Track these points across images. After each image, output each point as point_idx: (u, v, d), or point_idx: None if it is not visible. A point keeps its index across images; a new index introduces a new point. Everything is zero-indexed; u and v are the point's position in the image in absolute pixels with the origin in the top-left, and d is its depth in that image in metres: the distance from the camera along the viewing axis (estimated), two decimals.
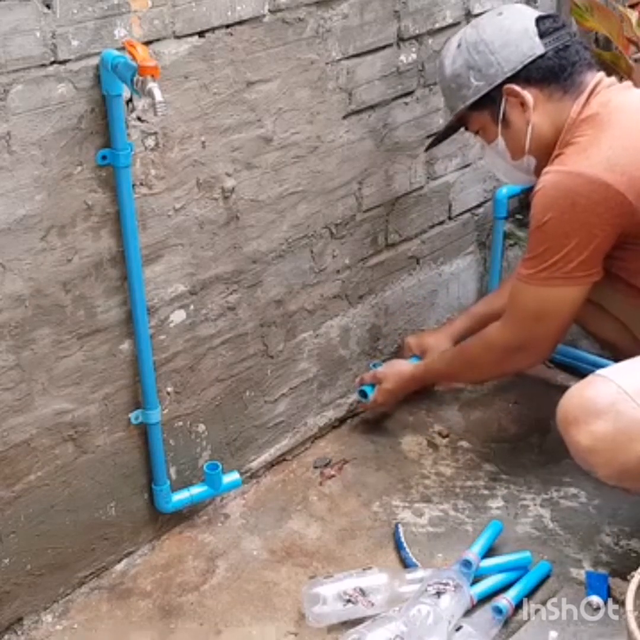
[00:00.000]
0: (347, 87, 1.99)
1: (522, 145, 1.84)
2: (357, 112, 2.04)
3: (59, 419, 1.68)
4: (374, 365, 2.25)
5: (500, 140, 1.86)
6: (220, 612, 1.78)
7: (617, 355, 1.98)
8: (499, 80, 1.79)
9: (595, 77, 1.81)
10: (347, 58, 1.96)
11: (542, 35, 1.79)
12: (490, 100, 1.82)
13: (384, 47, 2.04)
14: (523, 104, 1.80)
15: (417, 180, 2.27)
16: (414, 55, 2.12)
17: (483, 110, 1.85)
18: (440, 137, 2.03)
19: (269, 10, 1.76)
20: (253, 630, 1.74)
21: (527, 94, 1.78)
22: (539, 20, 1.81)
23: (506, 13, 1.84)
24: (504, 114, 1.82)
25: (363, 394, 2.22)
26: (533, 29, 1.79)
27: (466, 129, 1.96)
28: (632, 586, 1.37)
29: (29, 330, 1.58)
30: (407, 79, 2.13)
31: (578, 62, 1.80)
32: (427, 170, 2.29)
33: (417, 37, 2.11)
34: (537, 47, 1.78)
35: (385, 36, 2.03)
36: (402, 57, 2.10)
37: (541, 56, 1.78)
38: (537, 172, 1.84)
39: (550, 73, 1.79)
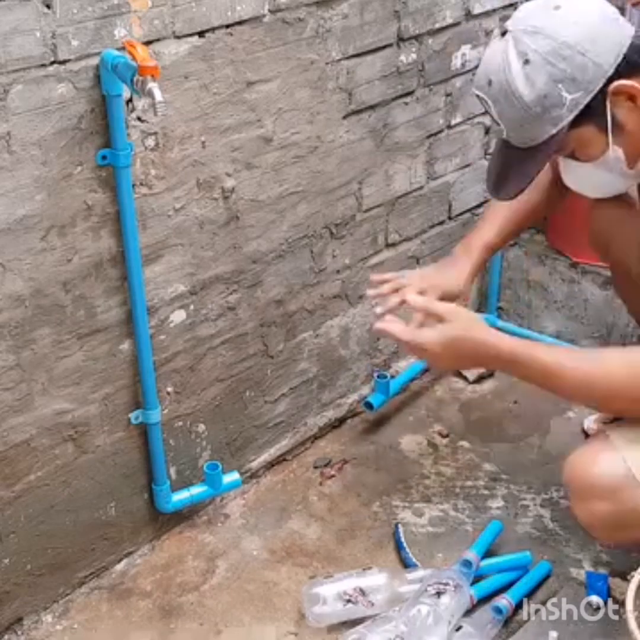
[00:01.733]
0: (347, 87, 1.99)
1: None
2: (357, 112, 2.04)
3: (59, 419, 1.68)
4: (379, 376, 2.24)
5: (615, 150, 1.53)
6: (220, 612, 1.78)
7: None
8: (600, 84, 1.46)
9: None
10: (347, 58, 1.96)
11: (620, 11, 1.50)
12: (590, 110, 1.48)
13: (384, 47, 2.04)
14: (633, 98, 1.48)
15: (417, 180, 2.27)
16: (414, 55, 2.12)
17: (583, 124, 1.50)
18: (525, 180, 1.59)
19: (269, 10, 1.76)
20: (253, 630, 1.75)
21: (638, 85, 1.47)
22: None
23: (565, 4, 1.48)
24: (613, 119, 1.49)
25: (369, 406, 2.22)
26: (611, 10, 1.49)
27: (549, 155, 1.57)
28: (632, 586, 1.37)
29: (29, 330, 1.58)
30: (407, 79, 2.13)
31: None
32: (427, 170, 2.29)
33: (417, 37, 2.11)
34: (626, 29, 1.48)
35: (385, 36, 2.03)
36: (402, 57, 2.10)
37: (633, 37, 1.48)
38: None
39: None
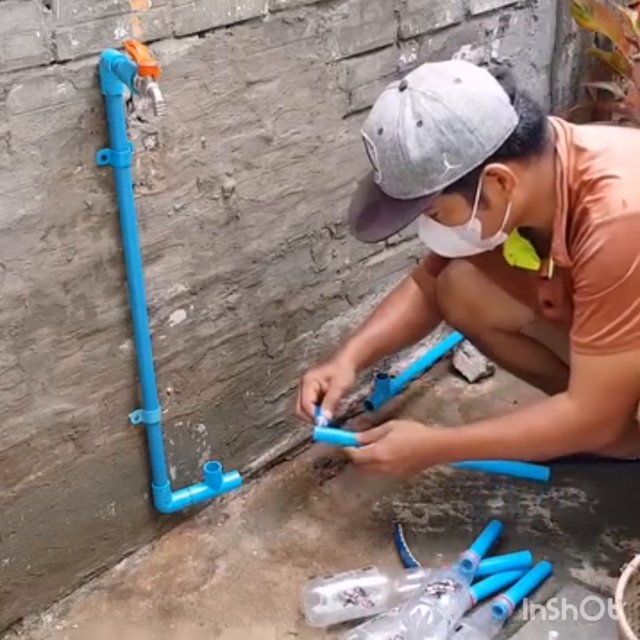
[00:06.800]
0: (347, 87, 1.99)
1: (498, 224, 1.63)
2: (357, 112, 2.04)
3: (59, 419, 1.68)
4: (379, 376, 2.23)
5: (474, 223, 1.62)
6: (220, 612, 1.78)
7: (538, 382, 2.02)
8: (479, 162, 1.54)
9: (553, 121, 1.65)
10: (347, 58, 1.96)
11: (511, 99, 1.57)
12: (463, 182, 1.56)
13: (384, 47, 2.04)
14: (502, 182, 1.58)
15: None
16: (414, 55, 2.12)
17: (453, 193, 1.57)
18: (390, 231, 1.67)
19: (269, 10, 1.76)
20: (253, 630, 1.74)
21: (511, 172, 1.56)
22: (498, 79, 1.58)
23: (466, 79, 1.55)
24: (481, 195, 1.58)
25: (369, 406, 2.21)
26: (504, 96, 1.56)
27: (417, 212, 1.61)
28: (624, 577, 1.38)
29: (29, 330, 1.58)
30: None
31: (541, 112, 1.61)
32: None
33: (417, 37, 2.11)
34: (513, 117, 1.55)
35: (385, 36, 2.03)
36: (402, 57, 2.10)
37: (517, 126, 1.56)
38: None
39: (529, 141, 1.58)
